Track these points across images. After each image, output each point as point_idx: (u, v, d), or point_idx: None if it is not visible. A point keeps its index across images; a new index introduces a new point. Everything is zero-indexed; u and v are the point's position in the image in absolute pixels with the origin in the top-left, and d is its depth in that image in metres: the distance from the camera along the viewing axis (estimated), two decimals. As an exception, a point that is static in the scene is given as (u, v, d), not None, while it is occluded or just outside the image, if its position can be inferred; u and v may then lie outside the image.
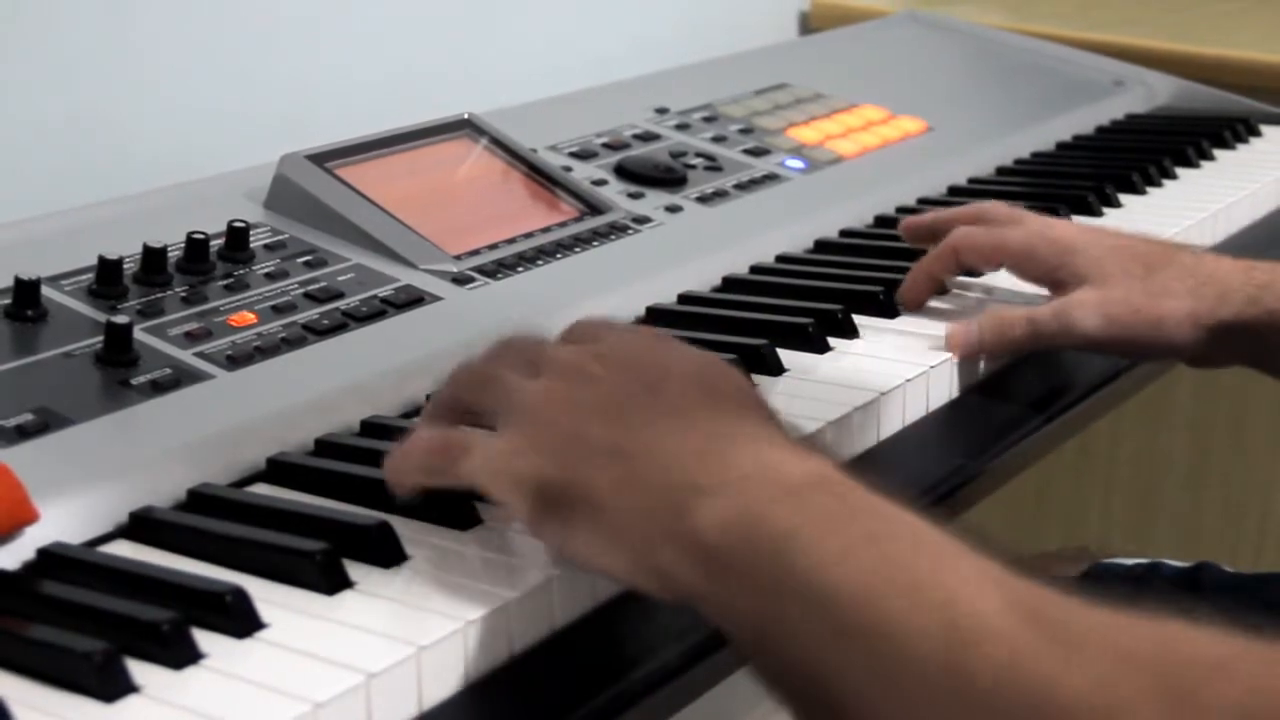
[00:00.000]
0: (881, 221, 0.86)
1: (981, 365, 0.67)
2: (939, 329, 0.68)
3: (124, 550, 0.50)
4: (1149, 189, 0.95)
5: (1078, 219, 0.88)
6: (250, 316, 0.63)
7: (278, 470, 0.56)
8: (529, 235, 0.75)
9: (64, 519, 0.50)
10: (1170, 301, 0.63)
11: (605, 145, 0.87)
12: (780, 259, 0.80)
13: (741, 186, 0.87)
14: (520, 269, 0.72)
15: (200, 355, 0.60)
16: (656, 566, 0.40)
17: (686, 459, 0.41)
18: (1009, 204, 0.73)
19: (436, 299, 0.68)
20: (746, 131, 0.94)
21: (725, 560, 0.38)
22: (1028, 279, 0.69)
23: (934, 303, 0.73)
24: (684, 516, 0.39)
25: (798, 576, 0.36)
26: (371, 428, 0.59)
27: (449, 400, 0.50)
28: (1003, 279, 0.73)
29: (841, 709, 0.36)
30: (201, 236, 0.66)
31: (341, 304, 0.65)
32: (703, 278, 0.76)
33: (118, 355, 0.58)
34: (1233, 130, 1.06)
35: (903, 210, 0.88)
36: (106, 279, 0.63)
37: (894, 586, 0.35)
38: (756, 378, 0.62)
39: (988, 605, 0.34)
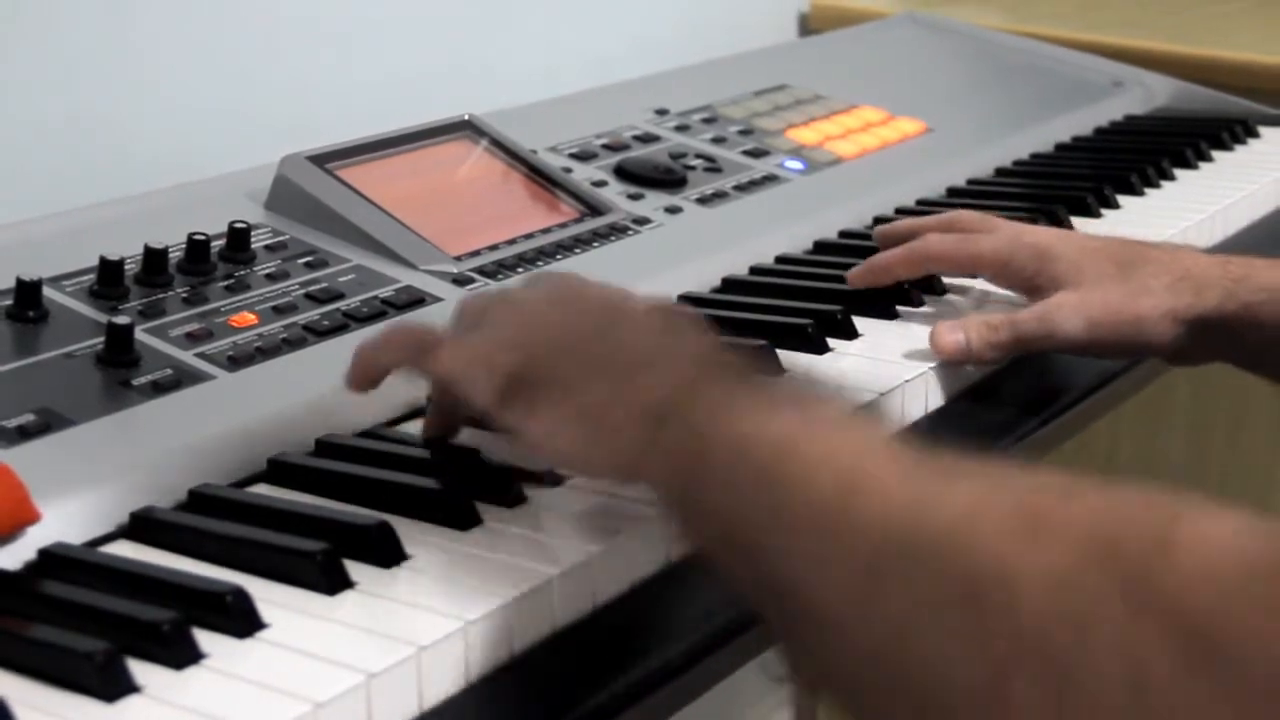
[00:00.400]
0: (880, 223, 0.87)
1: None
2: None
3: (125, 550, 0.51)
4: (1147, 190, 0.95)
5: (1077, 220, 0.88)
6: (251, 317, 0.63)
7: (278, 470, 0.56)
8: (529, 236, 0.75)
9: (65, 519, 0.51)
10: (1148, 300, 0.64)
11: (605, 146, 0.88)
12: (780, 260, 0.81)
13: (741, 188, 0.87)
14: (520, 269, 0.72)
15: (201, 356, 0.60)
16: (606, 436, 0.45)
17: (641, 346, 0.47)
18: (991, 212, 0.74)
19: (437, 299, 0.68)
20: (746, 133, 0.94)
21: (664, 415, 0.44)
22: (1004, 286, 0.69)
23: (933, 305, 0.73)
24: (635, 384, 0.45)
25: (723, 426, 0.42)
26: (372, 429, 0.59)
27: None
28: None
29: (750, 544, 0.41)
30: (202, 237, 0.66)
31: (342, 305, 0.66)
32: (702, 278, 0.76)
33: (119, 356, 0.58)
34: (1231, 131, 1.06)
35: (901, 211, 0.88)
36: (108, 280, 0.63)
37: (800, 446, 0.41)
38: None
39: (876, 457, 0.40)
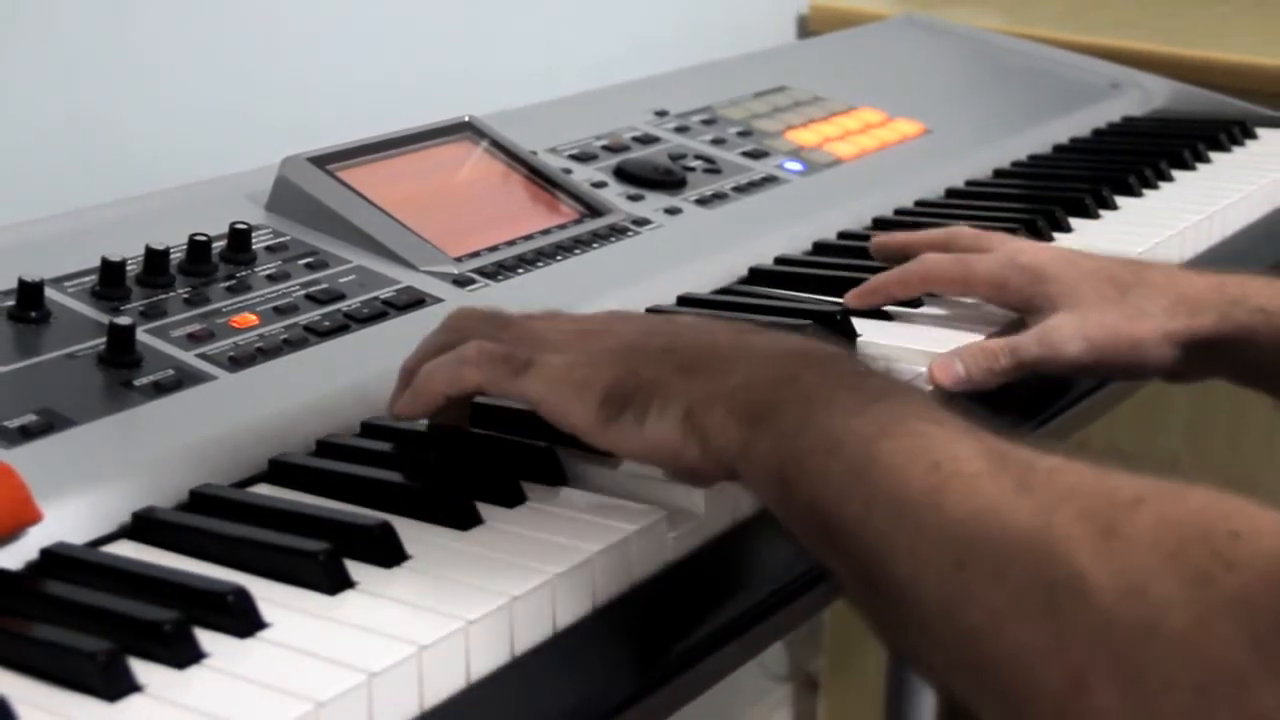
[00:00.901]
0: (879, 223, 0.87)
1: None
2: (936, 331, 0.68)
3: (127, 550, 0.51)
4: (1145, 191, 0.96)
5: (1075, 222, 0.88)
6: (252, 318, 0.63)
7: (279, 471, 0.56)
8: (529, 237, 0.75)
9: (67, 519, 0.51)
10: (1145, 323, 0.64)
11: (605, 148, 0.88)
12: (779, 260, 0.81)
13: (740, 189, 0.87)
14: (520, 270, 0.72)
15: (202, 356, 0.60)
16: (706, 432, 0.47)
17: (723, 345, 0.49)
18: (990, 213, 0.73)
19: (437, 300, 0.68)
20: (745, 134, 0.95)
21: (761, 411, 0.46)
22: (1000, 306, 0.69)
23: (930, 307, 0.74)
24: (728, 384, 0.47)
25: (816, 423, 0.44)
26: (372, 429, 0.59)
27: (444, 343, 0.54)
28: None
29: (845, 536, 0.42)
30: (204, 238, 0.66)
31: (343, 305, 0.66)
32: (701, 279, 0.76)
33: (120, 356, 0.58)
34: (1228, 133, 1.07)
35: (900, 212, 0.89)
36: (109, 280, 0.63)
37: (891, 434, 0.42)
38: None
39: (963, 450, 0.41)
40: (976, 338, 0.67)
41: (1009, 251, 0.69)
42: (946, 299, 0.74)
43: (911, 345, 0.68)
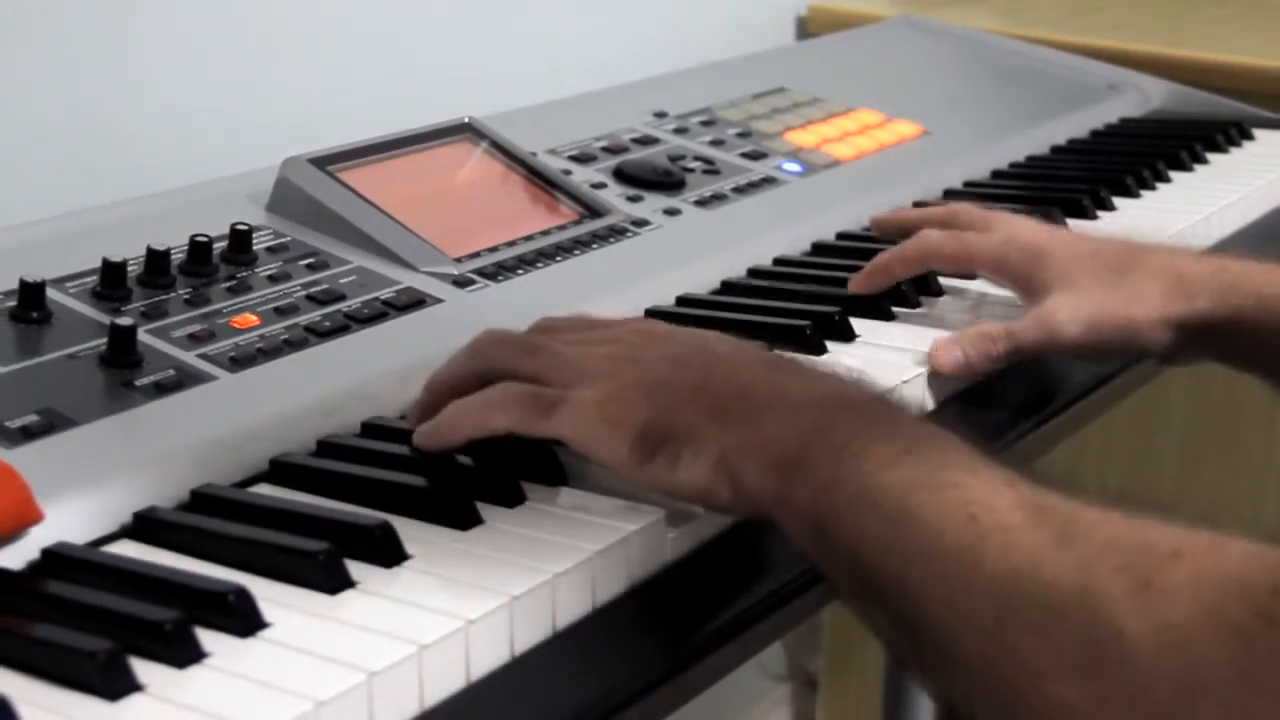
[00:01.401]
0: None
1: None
2: (935, 332, 0.69)
3: (128, 550, 0.51)
4: (1143, 192, 0.96)
5: (1072, 222, 0.88)
6: (253, 318, 0.63)
7: (280, 471, 0.56)
8: (529, 238, 0.75)
9: (68, 519, 0.51)
10: (1143, 305, 0.64)
11: (604, 149, 0.88)
12: (777, 261, 0.81)
13: (739, 190, 0.87)
14: (520, 271, 0.73)
15: (203, 357, 0.60)
16: (739, 479, 0.47)
17: (759, 388, 0.48)
18: (988, 206, 0.74)
19: (437, 301, 0.68)
20: (744, 135, 0.95)
21: (795, 463, 0.46)
22: (999, 284, 0.70)
23: (929, 306, 0.74)
24: (764, 432, 0.47)
25: (851, 477, 0.44)
26: (373, 429, 0.59)
27: (471, 370, 0.54)
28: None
29: (884, 590, 0.42)
30: (204, 239, 0.67)
31: (343, 306, 0.66)
32: (700, 280, 0.76)
33: (121, 357, 0.58)
34: (1225, 134, 1.07)
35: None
36: (110, 281, 0.63)
37: (927, 487, 0.42)
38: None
39: (1001, 502, 0.41)
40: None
41: (1008, 230, 0.69)
42: (944, 301, 0.74)
43: (912, 346, 0.68)
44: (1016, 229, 0.70)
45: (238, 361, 0.60)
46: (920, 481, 0.42)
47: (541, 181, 0.80)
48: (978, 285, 0.75)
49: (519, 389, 0.51)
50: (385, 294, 0.68)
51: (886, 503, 0.42)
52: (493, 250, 0.73)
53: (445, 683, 0.45)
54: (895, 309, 0.73)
